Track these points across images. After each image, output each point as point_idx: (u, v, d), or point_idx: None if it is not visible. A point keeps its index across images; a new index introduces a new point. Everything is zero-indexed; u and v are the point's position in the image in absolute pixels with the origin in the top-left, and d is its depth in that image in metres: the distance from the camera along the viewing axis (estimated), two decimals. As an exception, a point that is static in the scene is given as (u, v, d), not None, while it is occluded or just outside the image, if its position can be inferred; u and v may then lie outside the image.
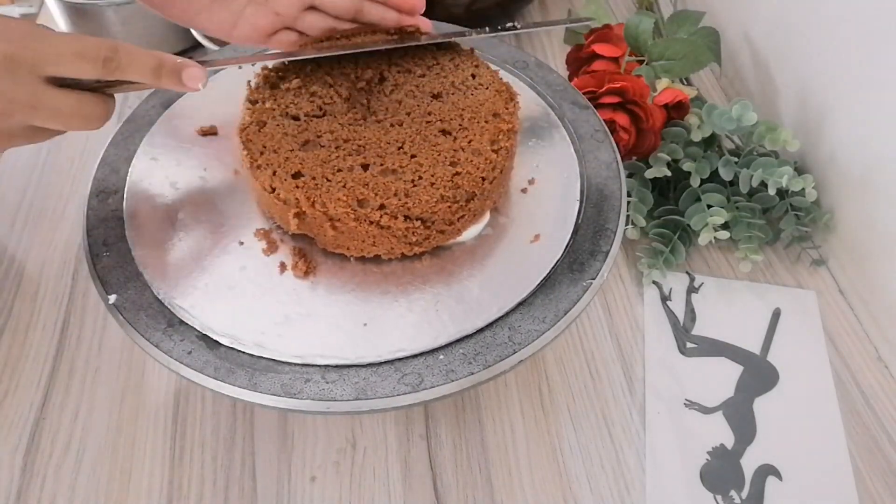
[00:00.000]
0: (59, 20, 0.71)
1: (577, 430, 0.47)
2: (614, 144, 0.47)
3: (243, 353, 0.36)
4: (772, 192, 0.54)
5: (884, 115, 0.50)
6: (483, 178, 0.39)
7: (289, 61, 0.44)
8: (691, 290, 0.55)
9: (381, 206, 0.37)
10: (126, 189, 0.44)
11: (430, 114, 0.41)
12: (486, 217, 0.42)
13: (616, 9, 0.80)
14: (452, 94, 0.43)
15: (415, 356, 0.36)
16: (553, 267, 0.40)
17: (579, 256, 0.40)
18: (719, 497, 0.44)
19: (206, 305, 0.38)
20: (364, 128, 0.41)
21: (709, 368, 0.50)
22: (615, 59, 0.60)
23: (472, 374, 0.36)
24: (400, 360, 0.36)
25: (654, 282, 0.55)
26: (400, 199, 0.37)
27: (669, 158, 0.56)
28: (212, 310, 0.38)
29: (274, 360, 0.36)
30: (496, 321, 0.38)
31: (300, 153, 0.39)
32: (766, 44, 0.64)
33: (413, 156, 0.39)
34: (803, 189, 0.54)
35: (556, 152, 0.46)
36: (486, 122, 0.41)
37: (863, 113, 0.52)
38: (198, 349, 0.36)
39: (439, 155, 0.39)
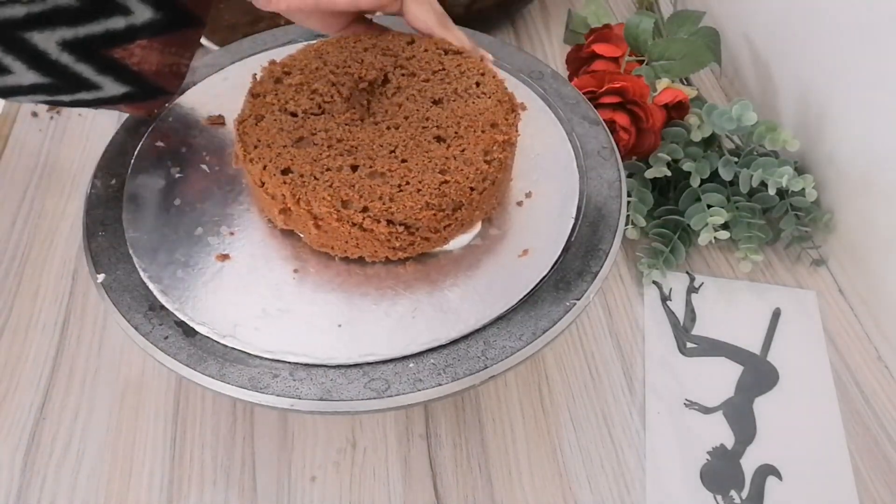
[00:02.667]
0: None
1: (577, 430, 0.47)
2: (620, 163, 0.45)
3: (217, 342, 0.37)
4: (772, 192, 0.54)
5: (884, 115, 0.50)
6: (472, 189, 0.38)
7: (295, 56, 0.44)
8: (691, 290, 0.55)
9: (365, 209, 0.37)
10: (129, 172, 0.44)
11: (427, 119, 0.41)
12: (477, 227, 0.41)
13: (616, 9, 0.80)
14: (453, 100, 0.42)
15: (385, 362, 0.36)
16: (538, 284, 0.39)
17: (566, 275, 0.39)
18: (719, 497, 0.44)
19: (189, 293, 0.38)
20: (359, 129, 0.41)
21: (709, 368, 0.50)
22: (615, 59, 0.60)
23: (440, 385, 0.35)
24: (370, 364, 0.36)
25: (654, 282, 0.55)
26: (384, 203, 0.36)
27: (669, 158, 0.56)
28: (193, 298, 0.38)
29: (245, 352, 0.36)
30: (472, 334, 0.37)
31: (292, 149, 0.39)
32: (766, 44, 0.64)
33: (404, 160, 0.38)
34: (803, 189, 0.53)
35: (558, 167, 0.45)
36: (483, 131, 0.40)
37: (863, 113, 0.52)
38: (174, 335, 0.37)
39: (430, 161, 0.38)
